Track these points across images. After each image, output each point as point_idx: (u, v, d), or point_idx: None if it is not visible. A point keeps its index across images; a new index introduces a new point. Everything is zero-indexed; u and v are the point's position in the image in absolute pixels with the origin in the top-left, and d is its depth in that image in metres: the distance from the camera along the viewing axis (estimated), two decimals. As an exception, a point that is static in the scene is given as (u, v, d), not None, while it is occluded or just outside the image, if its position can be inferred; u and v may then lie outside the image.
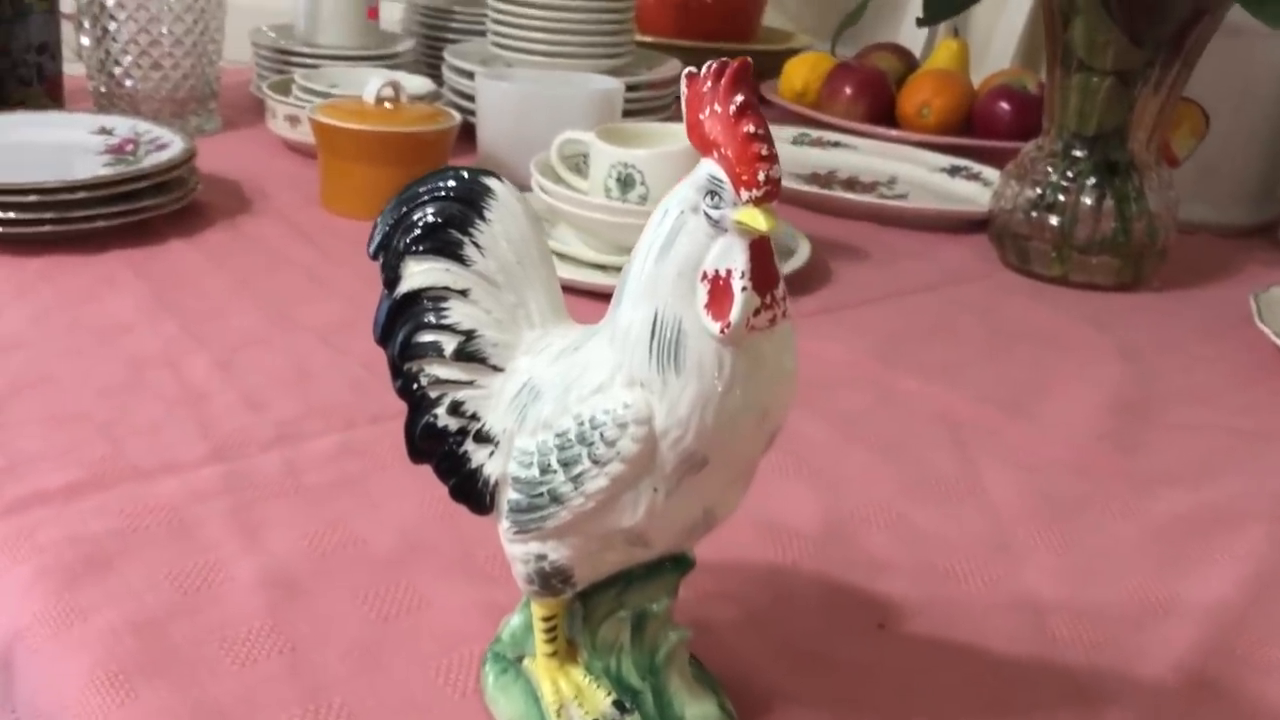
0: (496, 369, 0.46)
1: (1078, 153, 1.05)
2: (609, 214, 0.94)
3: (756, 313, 0.40)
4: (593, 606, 0.48)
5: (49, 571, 0.56)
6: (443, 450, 0.46)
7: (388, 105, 1.10)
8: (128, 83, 1.23)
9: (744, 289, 0.40)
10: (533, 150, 1.03)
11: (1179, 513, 0.71)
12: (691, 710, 0.48)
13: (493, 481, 0.46)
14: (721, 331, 0.40)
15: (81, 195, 0.93)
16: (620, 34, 1.34)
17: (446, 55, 1.35)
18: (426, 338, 0.46)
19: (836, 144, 1.41)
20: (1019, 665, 0.57)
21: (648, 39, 1.64)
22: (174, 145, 1.04)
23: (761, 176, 0.38)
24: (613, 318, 0.43)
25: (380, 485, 0.65)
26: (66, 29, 1.26)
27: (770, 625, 0.57)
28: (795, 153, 1.39)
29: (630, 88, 1.33)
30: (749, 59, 0.39)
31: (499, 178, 0.47)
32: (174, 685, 0.49)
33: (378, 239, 0.47)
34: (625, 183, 0.95)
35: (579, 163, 1.03)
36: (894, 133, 1.44)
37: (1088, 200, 1.04)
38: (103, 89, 1.25)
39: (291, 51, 1.37)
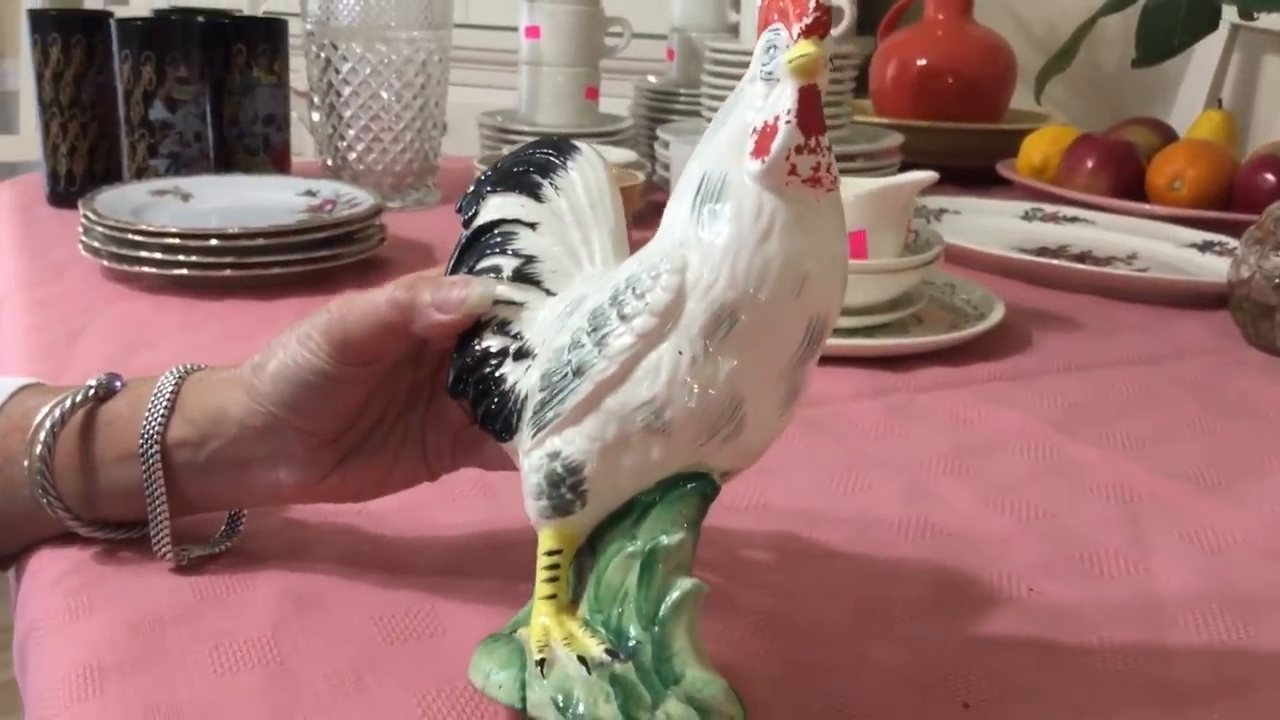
0: (549, 293, 0.45)
1: (1332, 210, 0.91)
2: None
3: (800, 151, 0.39)
4: (603, 546, 0.43)
5: (81, 566, 0.55)
6: (480, 374, 0.45)
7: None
8: (351, 156, 1.29)
9: (788, 123, 0.39)
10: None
11: (1406, 614, 0.57)
12: (694, 672, 0.41)
13: (523, 396, 0.43)
14: (760, 162, 0.39)
15: (260, 243, 0.96)
16: (835, 104, 1.29)
17: (659, 131, 1.34)
18: (488, 263, 0.46)
19: (1074, 219, 1.29)
20: (1134, 767, 0.45)
21: (884, 120, 1.58)
22: (365, 204, 1.07)
23: (812, 3, 0.38)
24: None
25: (446, 511, 0.61)
26: (300, 104, 1.34)
27: (825, 691, 0.49)
28: (1026, 228, 1.28)
29: (848, 157, 1.28)
30: None
31: (590, 145, 0.48)
32: (141, 686, 0.46)
33: (470, 190, 0.48)
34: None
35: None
36: (1141, 206, 1.30)
37: (1344, 264, 0.89)
38: (329, 162, 1.31)
39: (512, 130, 1.40)
